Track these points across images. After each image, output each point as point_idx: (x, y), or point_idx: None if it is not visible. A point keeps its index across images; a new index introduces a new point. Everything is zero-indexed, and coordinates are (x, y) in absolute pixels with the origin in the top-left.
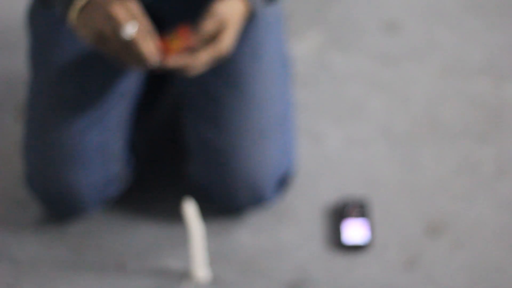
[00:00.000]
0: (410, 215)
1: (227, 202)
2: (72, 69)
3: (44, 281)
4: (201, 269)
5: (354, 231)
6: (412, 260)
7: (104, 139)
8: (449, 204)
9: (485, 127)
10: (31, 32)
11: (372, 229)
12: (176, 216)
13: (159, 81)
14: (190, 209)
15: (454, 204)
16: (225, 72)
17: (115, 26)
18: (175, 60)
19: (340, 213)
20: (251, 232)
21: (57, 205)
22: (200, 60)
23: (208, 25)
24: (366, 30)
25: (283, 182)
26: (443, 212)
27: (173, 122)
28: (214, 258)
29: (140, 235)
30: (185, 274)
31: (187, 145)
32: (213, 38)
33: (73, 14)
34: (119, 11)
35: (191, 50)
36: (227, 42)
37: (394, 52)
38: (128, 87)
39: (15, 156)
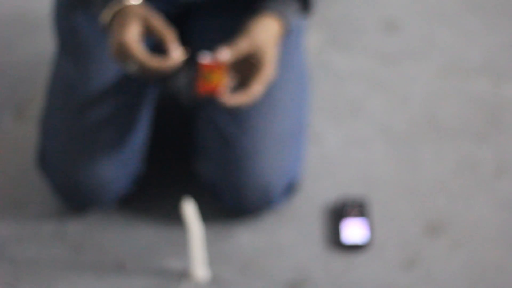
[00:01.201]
0: (409, 214)
1: (235, 203)
2: (100, 68)
3: (43, 281)
4: (200, 269)
5: (354, 230)
6: (411, 260)
7: (129, 134)
8: (448, 203)
9: (484, 127)
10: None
11: (372, 228)
12: (175, 216)
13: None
14: (190, 209)
15: (453, 203)
16: None
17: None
18: (231, 100)
19: (339, 212)
20: (250, 232)
21: (72, 194)
22: (254, 94)
23: (242, 43)
24: (365, 30)
25: (290, 188)
26: (442, 211)
27: (179, 121)
28: (214, 258)
29: (140, 235)
30: (184, 274)
31: (201, 142)
32: (247, 61)
33: (106, 16)
34: (130, 39)
35: (229, 70)
36: (271, 67)
37: (393, 52)
38: (156, 86)
39: (15, 156)
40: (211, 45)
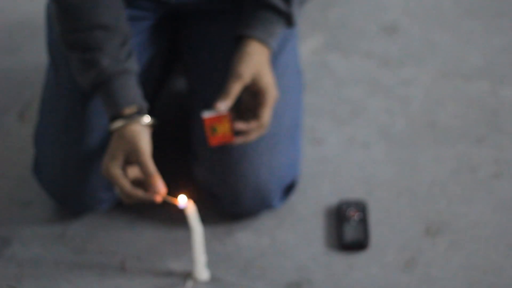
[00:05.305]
0: (409, 216)
1: (232, 206)
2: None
3: (45, 282)
4: (201, 270)
5: (354, 232)
6: (411, 261)
7: None
8: (447, 205)
9: (484, 129)
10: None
11: (372, 230)
12: (177, 218)
13: (166, 81)
14: (191, 210)
15: (453, 205)
16: None
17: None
18: (248, 138)
19: (340, 214)
20: (251, 233)
21: (65, 201)
22: (266, 121)
23: (234, 86)
24: (365, 33)
25: (289, 189)
26: (442, 213)
27: (178, 121)
28: (215, 259)
29: (141, 236)
30: (186, 275)
31: (195, 147)
32: (248, 92)
33: (115, 124)
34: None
35: (232, 116)
36: (272, 90)
37: (394, 55)
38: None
39: (17, 157)
40: (205, 51)
